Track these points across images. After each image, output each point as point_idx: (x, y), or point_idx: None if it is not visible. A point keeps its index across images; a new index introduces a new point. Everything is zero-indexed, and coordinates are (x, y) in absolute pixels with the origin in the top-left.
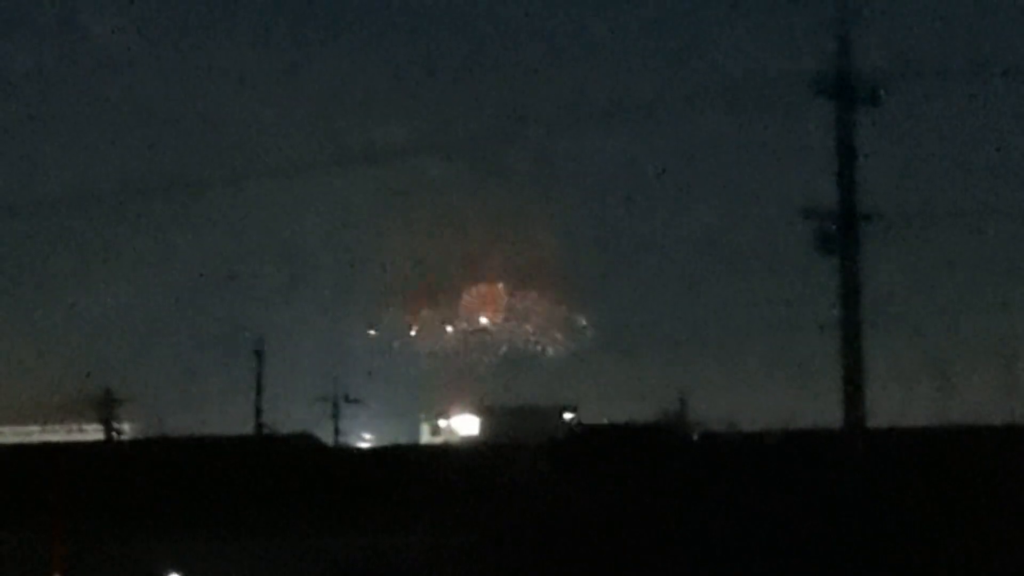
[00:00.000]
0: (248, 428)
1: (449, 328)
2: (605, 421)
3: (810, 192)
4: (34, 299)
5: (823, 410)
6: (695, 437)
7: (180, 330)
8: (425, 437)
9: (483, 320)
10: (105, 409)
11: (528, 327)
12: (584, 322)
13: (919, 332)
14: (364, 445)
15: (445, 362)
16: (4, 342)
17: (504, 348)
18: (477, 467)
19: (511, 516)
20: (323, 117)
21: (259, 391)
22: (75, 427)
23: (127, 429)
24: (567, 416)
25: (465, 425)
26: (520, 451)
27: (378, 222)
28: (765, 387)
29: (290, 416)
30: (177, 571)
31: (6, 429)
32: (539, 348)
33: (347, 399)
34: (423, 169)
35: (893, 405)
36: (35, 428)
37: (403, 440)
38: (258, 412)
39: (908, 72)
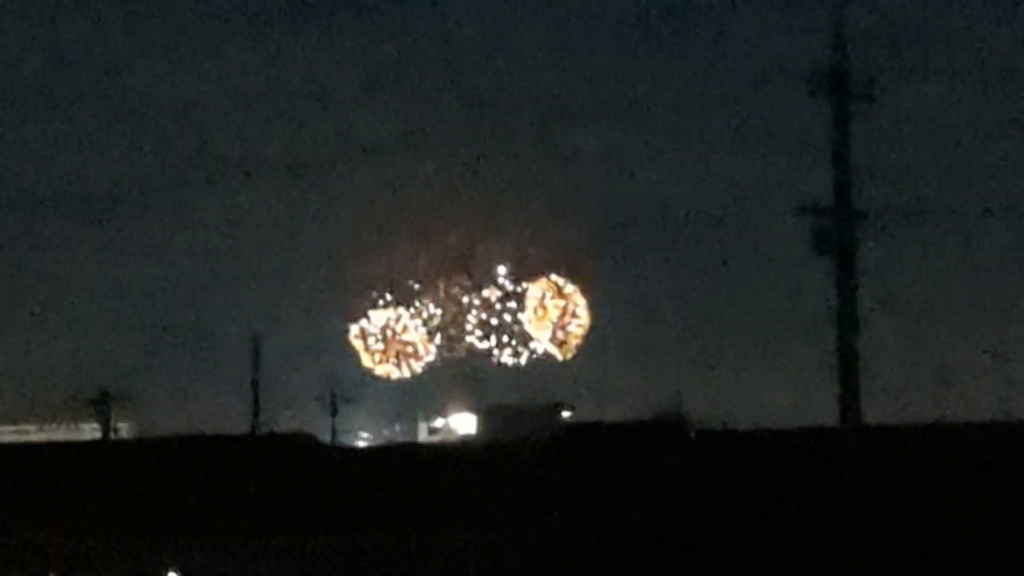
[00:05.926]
0: (245, 427)
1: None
2: (603, 420)
3: (806, 190)
4: (33, 299)
5: (819, 408)
6: (692, 435)
7: (177, 329)
8: (423, 436)
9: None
10: (102, 408)
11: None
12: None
13: (915, 330)
14: (362, 444)
15: (443, 360)
16: (1, 342)
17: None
18: (475, 466)
19: (509, 513)
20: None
21: (256, 390)
22: (72, 426)
23: (124, 428)
24: (564, 415)
25: (463, 424)
26: (517, 449)
27: (377, 219)
28: (762, 385)
29: (288, 415)
30: (175, 569)
31: (3, 428)
32: (537, 346)
33: (345, 398)
34: (422, 166)
35: (889, 402)
36: (32, 427)
37: (401, 439)
38: (256, 411)
39: (904, 70)
